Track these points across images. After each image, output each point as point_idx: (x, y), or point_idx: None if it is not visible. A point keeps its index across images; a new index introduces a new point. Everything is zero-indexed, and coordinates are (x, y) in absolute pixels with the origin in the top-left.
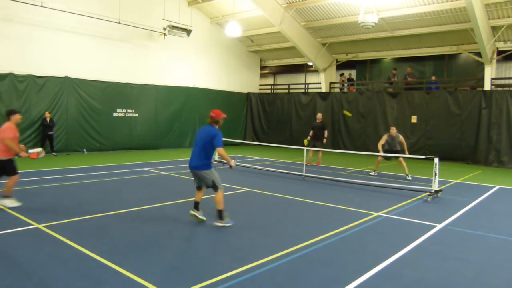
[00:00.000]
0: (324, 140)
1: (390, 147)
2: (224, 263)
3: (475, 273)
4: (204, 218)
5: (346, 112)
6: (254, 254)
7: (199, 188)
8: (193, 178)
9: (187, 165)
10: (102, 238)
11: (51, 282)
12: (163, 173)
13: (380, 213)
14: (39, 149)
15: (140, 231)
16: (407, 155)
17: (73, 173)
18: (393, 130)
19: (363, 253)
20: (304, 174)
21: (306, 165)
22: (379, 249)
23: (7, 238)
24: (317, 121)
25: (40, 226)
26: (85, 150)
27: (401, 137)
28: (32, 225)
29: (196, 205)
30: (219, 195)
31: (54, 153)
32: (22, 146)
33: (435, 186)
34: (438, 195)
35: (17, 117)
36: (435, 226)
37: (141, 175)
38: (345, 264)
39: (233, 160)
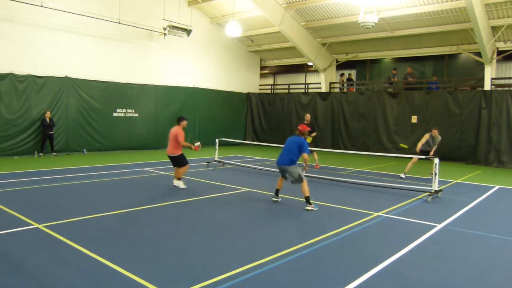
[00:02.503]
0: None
1: (429, 147)
2: (224, 263)
3: (475, 273)
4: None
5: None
6: (254, 254)
7: (284, 176)
8: (279, 172)
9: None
10: (102, 238)
11: (51, 282)
12: (163, 173)
13: (380, 213)
14: (198, 143)
15: (140, 231)
16: (409, 155)
17: (73, 173)
18: (435, 131)
19: (363, 253)
20: (303, 174)
21: None
22: (379, 249)
23: (7, 238)
24: (305, 122)
25: (40, 226)
26: (85, 150)
27: (439, 138)
28: (32, 225)
29: (277, 192)
30: (305, 185)
31: (54, 153)
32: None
33: (435, 186)
34: (438, 195)
35: (184, 123)
36: (435, 226)
37: (141, 175)
38: (345, 264)
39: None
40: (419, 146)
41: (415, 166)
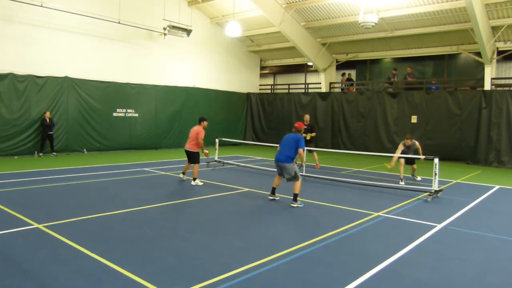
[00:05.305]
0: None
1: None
2: (224, 263)
3: (475, 273)
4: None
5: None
6: (254, 254)
7: (281, 174)
8: (276, 168)
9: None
10: (102, 238)
11: (51, 282)
12: (163, 173)
13: (380, 213)
14: (207, 151)
15: (140, 231)
16: (407, 156)
17: (73, 173)
18: (408, 141)
19: (363, 253)
20: (304, 174)
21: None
22: (379, 249)
23: (7, 238)
24: (305, 123)
25: (40, 226)
26: (85, 150)
27: (417, 144)
28: (32, 225)
29: (273, 191)
30: (298, 183)
31: (54, 153)
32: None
33: (435, 186)
34: (438, 195)
35: (205, 123)
36: (435, 226)
37: (141, 175)
38: (345, 264)
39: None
40: (395, 158)
41: (418, 167)
